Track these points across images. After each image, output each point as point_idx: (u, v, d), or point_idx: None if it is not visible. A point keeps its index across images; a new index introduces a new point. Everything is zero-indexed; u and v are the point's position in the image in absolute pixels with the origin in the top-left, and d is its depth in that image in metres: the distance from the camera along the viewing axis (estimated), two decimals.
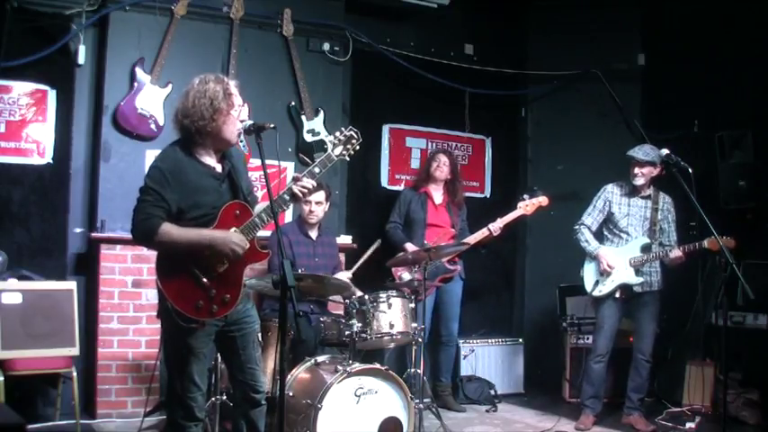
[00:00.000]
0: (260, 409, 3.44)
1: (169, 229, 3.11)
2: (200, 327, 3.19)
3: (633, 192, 5.21)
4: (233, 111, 3.21)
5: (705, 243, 4.79)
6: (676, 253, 4.94)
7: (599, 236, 5.31)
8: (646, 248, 5.11)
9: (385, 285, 4.72)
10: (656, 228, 5.15)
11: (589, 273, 5.26)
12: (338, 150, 3.40)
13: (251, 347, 3.40)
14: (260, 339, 3.80)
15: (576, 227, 5.32)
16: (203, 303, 3.15)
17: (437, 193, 5.75)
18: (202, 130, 3.16)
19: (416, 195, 5.73)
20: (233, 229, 3.22)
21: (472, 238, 5.47)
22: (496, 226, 5.46)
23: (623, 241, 5.19)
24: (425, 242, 5.35)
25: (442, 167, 5.68)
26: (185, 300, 3.13)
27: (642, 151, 5.10)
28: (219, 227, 3.20)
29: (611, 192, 5.28)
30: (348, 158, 3.47)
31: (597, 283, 5.19)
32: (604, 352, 5.19)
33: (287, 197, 3.30)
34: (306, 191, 3.32)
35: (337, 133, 3.43)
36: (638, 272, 5.10)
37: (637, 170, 5.11)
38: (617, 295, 5.13)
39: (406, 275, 5.26)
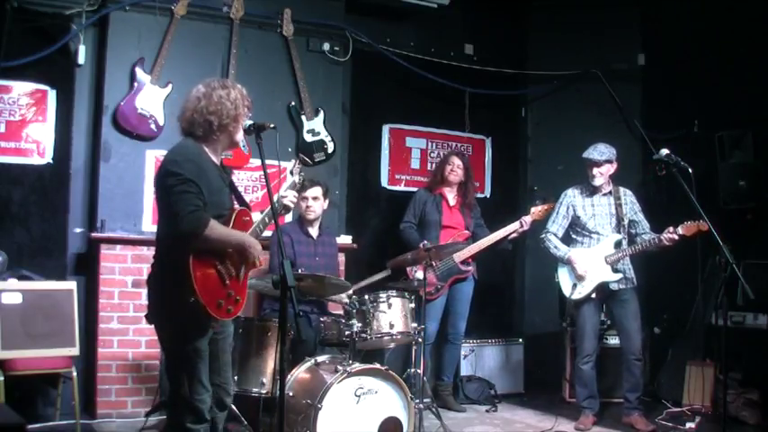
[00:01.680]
0: (225, 413, 3.46)
1: (215, 225, 3.12)
2: (216, 327, 3.27)
3: (594, 191, 5.23)
4: (245, 114, 3.32)
5: (680, 230, 4.81)
6: (670, 236, 4.85)
7: (567, 240, 5.32)
8: (618, 244, 5.12)
9: (385, 285, 4.71)
10: (623, 223, 5.16)
11: (564, 277, 5.27)
12: (297, 177, 3.77)
13: (228, 351, 3.46)
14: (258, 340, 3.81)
15: (543, 235, 5.34)
16: (224, 303, 3.18)
17: (451, 195, 5.77)
18: (225, 128, 3.24)
19: (431, 197, 5.75)
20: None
21: (503, 231, 5.52)
22: (527, 220, 5.49)
23: (594, 241, 5.19)
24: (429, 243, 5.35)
25: (456, 171, 5.70)
26: (210, 296, 3.11)
27: (597, 151, 5.12)
28: (234, 229, 3.29)
29: (573, 196, 5.30)
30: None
31: (575, 285, 5.19)
32: (591, 352, 5.21)
33: (267, 220, 3.51)
34: (292, 205, 3.64)
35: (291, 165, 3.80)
36: (614, 269, 5.10)
37: (595, 171, 5.14)
38: (593, 296, 5.14)
39: (421, 274, 5.26)
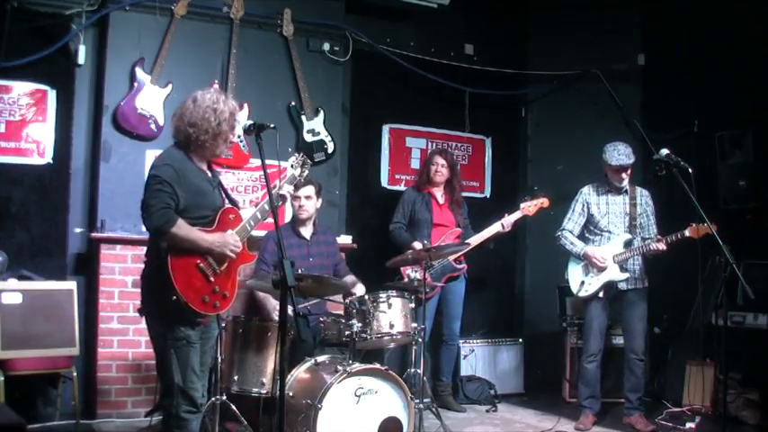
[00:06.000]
0: (201, 414, 3.47)
1: (182, 224, 3.23)
2: (206, 321, 3.36)
3: (609, 190, 5.22)
4: (230, 133, 3.42)
5: (686, 232, 4.80)
6: (657, 246, 4.89)
7: (581, 238, 5.31)
8: (628, 244, 5.11)
9: (385, 285, 4.71)
10: (636, 223, 5.15)
11: (574, 274, 5.27)
12: (298, 171, 3.75)
13: (208, 353, 3.54)
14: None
15: (559, 233, 5.33)
16: (209, 298, 3.28)
17: (439, 194, 5.77)
18: (203, 143, 3.35)
19: (420, 196, 5.74)
20: (229, 231, 3.40)
21: (486, 233, 5.51)
22: (508, 221, 5.48)
23: (605, 239, 5.19)
24: (425, 242, 5.35)
25: (440, 171, 5.69)
26: (194, 293, 3.23)
27: (624, 155, 5.06)
28: (219, 228, 3.37)
29: (588, 193, 5.30)
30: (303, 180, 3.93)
31: (583, 283, 5.19)
32: (596, 351, 5.21)
33: (260, 216, 3.51)
34: (288, 195, 3.73)
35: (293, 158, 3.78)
36: (622, 268, 5.10)
37: (624, 175, 5.12)
38: (600, 294, 5.14)
39: (415, 274, 5.26)
